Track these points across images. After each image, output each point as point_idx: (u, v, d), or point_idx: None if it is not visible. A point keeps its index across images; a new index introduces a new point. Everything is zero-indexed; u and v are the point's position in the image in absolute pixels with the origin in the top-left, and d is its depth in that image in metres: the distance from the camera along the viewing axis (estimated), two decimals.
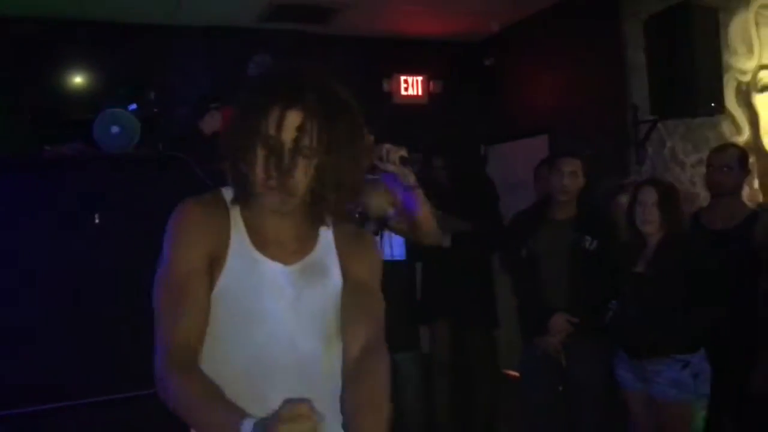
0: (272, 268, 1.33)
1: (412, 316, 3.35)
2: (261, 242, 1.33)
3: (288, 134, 1.24)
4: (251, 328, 1.31)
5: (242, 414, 1.08)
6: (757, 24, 3.75)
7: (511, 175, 5.20)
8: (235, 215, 1.34)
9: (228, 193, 1.34)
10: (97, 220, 3.03)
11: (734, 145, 3.30)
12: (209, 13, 4.48)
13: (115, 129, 3.14)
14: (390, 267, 2.27)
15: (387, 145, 2.11)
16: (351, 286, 1.39)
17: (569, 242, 2.94)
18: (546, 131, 4.82)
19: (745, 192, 3.41)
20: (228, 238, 1.31)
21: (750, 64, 3.78)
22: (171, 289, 1.26)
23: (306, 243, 1.39)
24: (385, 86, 5.27)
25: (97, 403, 2.90)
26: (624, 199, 3.00)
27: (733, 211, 2.97)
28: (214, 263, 1.29)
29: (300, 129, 1.23)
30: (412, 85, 5.31)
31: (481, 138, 5.46)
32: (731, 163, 2.99)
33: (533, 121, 4.97)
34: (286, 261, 1.35)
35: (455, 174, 3.65)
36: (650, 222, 2.65)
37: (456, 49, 5.45)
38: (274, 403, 1.06)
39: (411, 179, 2.11)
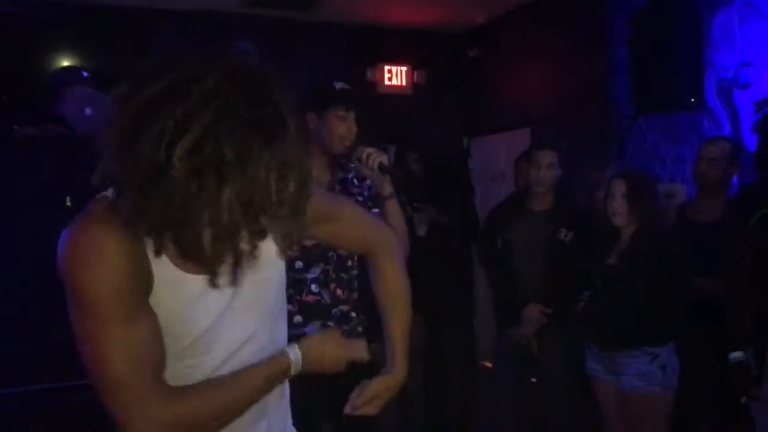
0: (196, 280, 1.09)
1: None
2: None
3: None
4: (194, 353, 1.14)
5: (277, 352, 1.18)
6: (740, 21, 3.76)
7: (494, 167, 5.20)
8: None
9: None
10: (69, 203, 2.98)
11: (726, 139, 3.29)
12: None
13: (88, 110, 3.09)
14: (333, 257, 2.26)
15: (368, 149, 2.10)
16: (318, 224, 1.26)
17: (545, 234, 2.94)
18: (528, 124, 4.82)
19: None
20: (148, 265, 1.04)
21: (732, 61, 3.79)
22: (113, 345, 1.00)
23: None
24: (369, 75, 5.24)
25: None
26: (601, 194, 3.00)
27: (717, 204, 2.96)
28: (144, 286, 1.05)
29: None
30: (396, 75, 5.28)
31: (465, 130, 5.45)
32: (718, 156, 2.99)
33: (516, 114, 4.96)
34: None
35: (429, 166, 3.63)
36: (619, 214, 2.65)
37: (441, 39, 5.43)
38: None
39: (387, 189, 2.11)
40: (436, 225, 3.40)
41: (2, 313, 2.81)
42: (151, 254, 1.02)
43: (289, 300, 2.11)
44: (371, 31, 5.18)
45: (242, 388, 1.14)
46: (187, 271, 1.07)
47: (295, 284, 2.16)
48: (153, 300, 1.06)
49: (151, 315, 1.05)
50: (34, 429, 2.73)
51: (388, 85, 5.26)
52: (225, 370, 1.16)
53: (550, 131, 4.51)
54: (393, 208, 2.18)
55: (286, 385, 1.35)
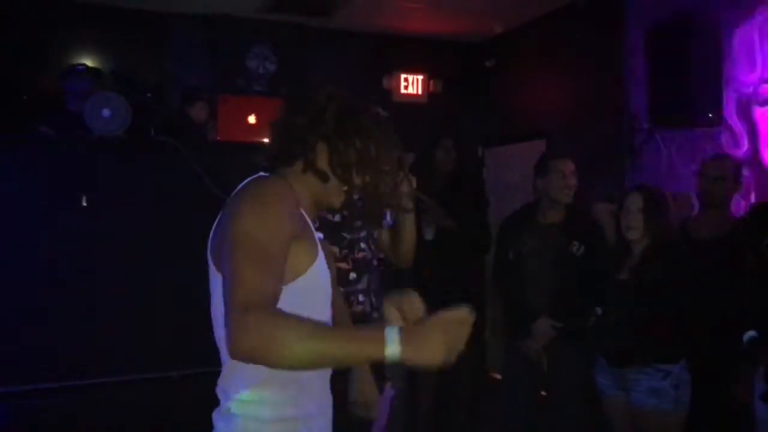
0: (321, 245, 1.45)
1: None
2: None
3: None
4: (327, 308, 1.44)
5: (377, 326, 1.22)
6: (760, 37, 3.73)
7: (508, 177, 5.18)
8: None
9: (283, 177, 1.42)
10: (84, 203, 3.00)
11: (729, 156, 3.27)
12: (211, 1, 4.45)
13: (105, 112, 3.11)
14: (373, 266, 2.33)
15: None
16: None
17: (556, 247, 2.92)
18: (543, 135, 4.80)
19: (741, 206, 3.39)
20: (307, 221, 1.41)
21: (752, 77, 3.76)
22: (254, 249, 1.23)
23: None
24: (385, 83, 5.25)
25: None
26: (601, 206, 2.99)
27: (721, 221, 2.94)
28: (301, 239, 1.34)
29: None
30: (412, 84, 5.28)
31: (479, 140, 5.44)
32: (726, 174, 2.97)
33: (531, 125, 4.95)
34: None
35: (457, 164, 3.68)
36: (634, 228, 2.63)
37: (457, 49, 5.43)
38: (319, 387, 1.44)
39: (408, 205, 2.19)
40: (444, 229, 3.41)
41: (17, 309, 2.82)
42: (302, 209, 1.41)
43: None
44: (388, 39, 5.19)
45: (338, 345, 1.18)
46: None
47: (346, 296, 2.24)
48: (319, 252, 1.39)
49: (285, 261, 1.28)
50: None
51: (403, 94, 5.26)
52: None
53: (564, 142, 4.49)
54: (411, 223, 2.34)
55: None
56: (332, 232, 2.22)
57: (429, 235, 3.44)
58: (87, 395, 2.86)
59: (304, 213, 1.41)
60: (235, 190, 1.39)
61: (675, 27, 3.59)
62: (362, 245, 2.29)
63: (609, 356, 2.69)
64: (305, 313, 1.23)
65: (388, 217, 2.37)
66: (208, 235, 1.57)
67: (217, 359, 1.45)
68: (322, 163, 1.43)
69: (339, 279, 2.18)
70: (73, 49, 4.41)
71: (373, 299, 2.32)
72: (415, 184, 2.17)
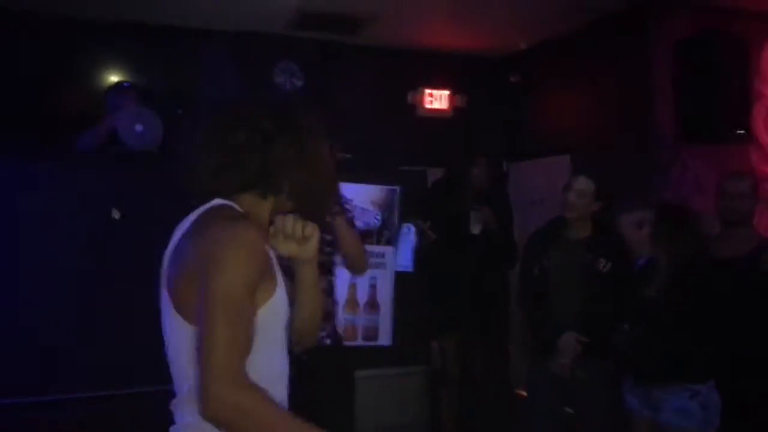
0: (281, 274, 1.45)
1: (421, 330, 3.37)
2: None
3: None
4: (284, 333, 1.45)
5: None
6: None
7: (532, 193, 5.16)
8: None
9: (235, 207, 1.41)
10: (116, 216, 3.07)
11: (747, 173, 3.24)
12: (240, 18, 4.53)
13: (138, 127, 3.19)
14: (399, 279, 2.39)
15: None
16: None
17: (582, 262, 2.91)
18: (568, 151, 4.79)
19: (764, 223, 3.35)
20: (269, 255, 1.40)
21: None
22: (231, 308, 1.24)
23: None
24: (410, 98, 5.28)
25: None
26: (626, 220, 2.98)
27: (745, 240, 2.91)
28: (263, 279, 1.34)
29: None
30: (437, 99, 5.30)
31: (504, 154, 5.44)
32: (747, 191, 2.94)
33: (556, 141, 4.94)
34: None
35: (491, 177, 3.80)
36: (644, 243, 2.66)
37: (482, 64, 5.45)
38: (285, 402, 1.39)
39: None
40: (489, 227, 3.51)
41: (49, 321, 2.89)
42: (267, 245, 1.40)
43: None
44: (413, 54, 5.22)
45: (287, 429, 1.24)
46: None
47: None
48: (278, 279, 1.40)
49: (254, 311, 1.31)
50: None
51: (428, 109, 5.29)
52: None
53: (589, 159, 4.48)
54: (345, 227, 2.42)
55: None
56: None
57: (476, 229, 3.60)
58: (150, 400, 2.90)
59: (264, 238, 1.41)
60: (196, 219, 1.39)
61: (702, 41, 3.58)
62: (326, 249, 2.37)
63: (636, 374, 2.67)
64: (267, 339, 1.36)
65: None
66: None
67: None
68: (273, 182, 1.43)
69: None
70: (107, 66, 4.52)
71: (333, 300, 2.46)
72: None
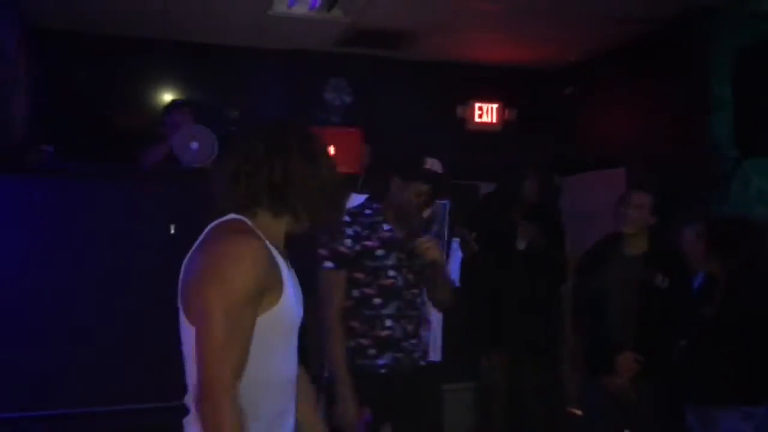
0: (293, 277, 1.53)
1: (470, 345, 3.35)
2: (280, 256, 1.50)
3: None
4: (292, 338, 1.51)
5: None
6: None
7: (586, 207, 5.07)
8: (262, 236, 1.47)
9: (245, 220, 1.47)
10: (172, 231, 3.13)
11: None
12: (291, 37, 4.61)
13: (194, 145, 3.27)
14: (406, 294, 2.41)
15: (426, 243, 2.37)
16: None
17: (640, 278, 2.84)
18: (623, 164, 4.69)
19: None
20: (276, 262, 1.44)
21: None
22: (230, 318, 1.31)
23: (283, 249, 1.59)
24: (459, 112, 5.26)
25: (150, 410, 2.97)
26: (684, 235, 2.91)
27: None
28: (267, 287, 1.40)
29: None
30: (486, 112, 5.28)
31: (556, 168, 5.36)
32: None
33: (610, 154, 4.85)
34: (287, 268, 1.53)
35: (542, 191, 3.79)
36: (700, 259, 2.57)
37: (532, 77, 5.40)
38: (291, 411, 1.50)
39: (441, 259, 2.42)
40: (535, 244, 3.48)
41: (114, 333, 2.96)
42: (271, 250, 1.44)
43: (365, 334, 2.41)
44: (462, 68, 5.22)
45: None
46: (288, 267, 1.51)
47: (370, 320, 2.42)
48: (285, 287, 1.44)
49: (254, 318, 1.36)
50: None
51: (478, 122, 5.26)
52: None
53: (645, 172, 4.38)
54: (442, 280, 2.50)
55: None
56: (352, 261, 2.39)
57: (521, 245, 3.57)
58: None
59: (273, 250, 1.46)
60: (205, 233, 1.47)
61: (762, 50, 3.47)
62: (391, 273, 2.43)
63: (693, 393, 2.60)
64: (272, 346, 1.43)
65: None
66: (295, 266, 1.64)
67: None
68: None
69: (364, 303, 2.40)
70: (163, 85, 4.66)
71: (407, 326, 2.45)
72: (439, 258, 2.36)
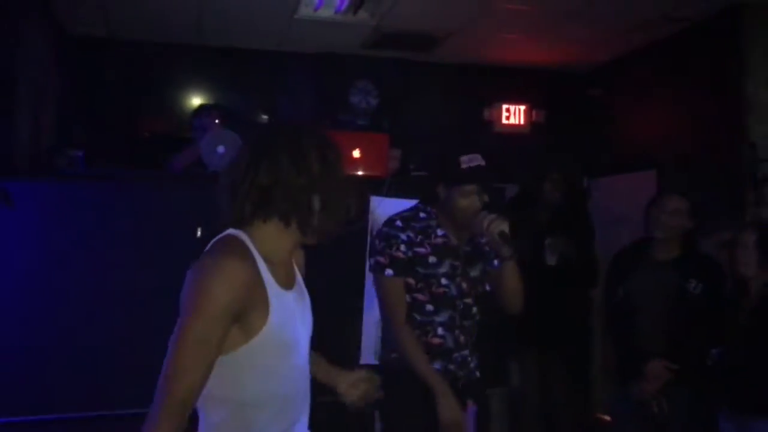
0: (290, 297, 1.48)
1: (501, 350, 3.29)
2: (276, 275, 1.45)
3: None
4: (290, 358, 1.47)
5: None
6: None
7: (615, 210, 4.98)
8: (257, 256, 1.42)
9: (242, 236, 1.42)
10: (198, 234, 3.15)
11: None
12: (317, 41, 4.62)
13: (220, 149, 3.28)
14: (460, 304, 2.33)
15: (490, 216, 2.20)
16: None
17: (671, 285, 2.76)
18: (654, 167, 4.59)
19: None
20: (262, 282, 1.40)
21: None
22: (196, 341, 1.30)
23: (291, 266, 1.56)
24: (486, 114, 5.22)
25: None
26: (718, 240, 2.82)
27: None
28: (250, 309, 1.36)
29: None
30: (514, 114, 5.22)
31: (584, 170, 5.28)
32: None
33: (640, 156, 4.75)
34: (290, 286, 1.50)
35: (564, 197, 3.68)
36: (747, 264, 2.48)
37: (561, 78, 5.33)
38: (297, 426, 1.48)
39: (505, 252, 2.24)
40: (566, 257, 3.40)
41: (144, 335, 2.97)
42: (261, 268, 1.40)
43: (417, 339, 2.31)
44: (489, 70, 5.17)
45: None
46: (283, 287, 1.45)
47: (422, 326, 2.31)
48: (271, 308, 1.39)
49: (222, 344, 1.34)
50: None
51: (505, 124, 5.21)
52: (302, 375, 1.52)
53: (677, 174, 4.28)
54: (511, 270, 2.32)
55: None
56: (405, 267, 2.29)
57: (551, 260, 3.49)
58: None
59: (263, 269, 1.41)
60: (205, 249, 1.43)
61: None
62: (443, 281, 2.31)
63: (730, 402, 2.53)
64: (267, 367, 1.41)
65: (495, 262, 2.39)
66: (318, 268, 1.71)
67: None
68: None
69: (415, 308, 2.31)
70: (190, 89, 4.70)
71: (460, 337, 2.34)
72: (507, 228, 2.19)
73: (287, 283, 1.49)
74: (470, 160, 2.28)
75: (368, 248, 3.05)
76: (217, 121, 3.82)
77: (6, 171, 3.09)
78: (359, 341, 3.22)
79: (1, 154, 3.20)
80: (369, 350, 3.22)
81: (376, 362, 3.25)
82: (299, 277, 1.59)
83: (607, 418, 3.61)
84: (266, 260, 1.43)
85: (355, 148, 3.76)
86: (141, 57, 4.51)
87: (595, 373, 3.81)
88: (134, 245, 3.05)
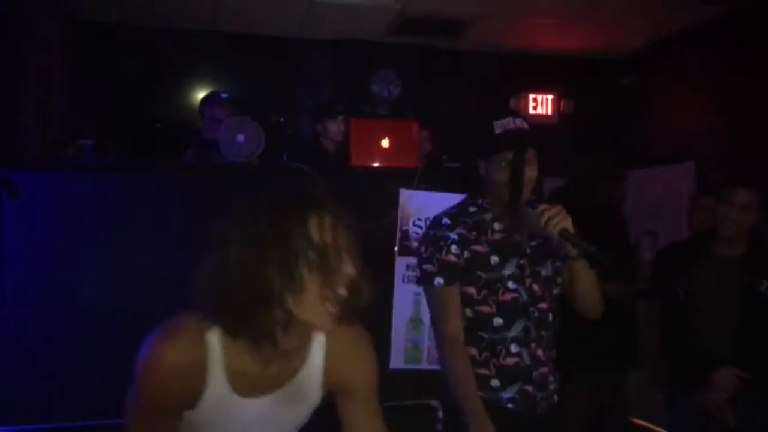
0: (249, 407, 1.27)
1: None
2: (243, 375, 1.24)
3: (328, 236, 1.19)
4: None
5: None
6: None
7: (649, 203, 4.76)
8: (214, 347, 1.22)
9: (204, 322, 1.22)
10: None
11: None
12: (338, 26, 4.41)
13: (240, 137, 3.07)
14: (533, 310, 2.02)
15: (550, 211, 1.80)
16: (355, 400, 1.37)
17: (739, 283, 2.53)
18: (692, 158, 4.36)
19: None
20: (204, 379, 1.22)
21: None
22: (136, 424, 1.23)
23: (294, 359, 1.29)
24: (513, 104, 5.00)
25: None
26: None
27: None
28: (188, 401, 1.23)
29: (334, 230, 1.19)
30: (541, 104, 5.01)
31: (616, 162, 5.05)
32: None
33: (677, 147, 4.53)
34: (270, 389, 1.28)
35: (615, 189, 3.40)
36: None
37: (590, 66, 5.10)
38: None
39: (571, 251, 1.85)
40: (603, 271, 3.11)
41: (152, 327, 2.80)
42: (211, 363, 1.22)
43: (486, 362, 1.93)
44: (516, 58, 4.95)
45: None
46: (241, 392, 1.25)
47: (491, 346, 1.93)
48: (199, 406, 1.23)
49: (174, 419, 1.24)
50: None
51: (532, 114, 4.99)
52: None
53: (718, 165, 4.05)
54: (580, 271, 1.92)
55: None
56: (460, 272, 1.91)
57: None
58: None
59: (210, 366, 1.22)
60: None
61: None
62: (510, 285, 1.92)
63: None
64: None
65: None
66: None
67: None
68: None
69: (480, 324, 1.92)
70: (205, 77, 4.51)
71: (537, 351, 1.95)
72: (570, 225, 1.79)
73: (260, 387, 1.27)
74: (507, 124, 1.90)
75: (397, 248, 2.83)
76: (230, 113, 3.63)
77: (12, 160, 2.91)
78: (389, 345, 3.01)
79: (6, 142, 3.03)
80: (399, 354, 3.01)
81: (407, 367, 3.02)
82: (303, 377, 1.31)
83: (656, 428, 3.39)
84: (232, 353, 1.22)
85: (383, 137, 3.54)
86: (153, 44, 4.33)
87: (635, 378, 3.57)
88: (144, 237, 2.86)
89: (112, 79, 4.23)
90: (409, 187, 3.09)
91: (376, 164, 3.26)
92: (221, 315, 1.19)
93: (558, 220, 1.78)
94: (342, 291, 1.18)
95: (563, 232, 1.78)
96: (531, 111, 5.00)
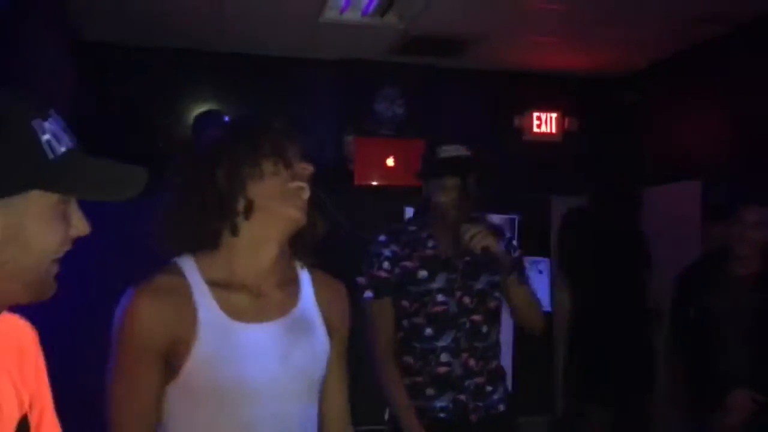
0: (253, 333, 1.26)
1: (543, 374, 3.01)
2: (236, 303, 1.26)
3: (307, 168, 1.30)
4: (238, 408, 1.22)
5: None
6: None
7: (655, 223, 4.72)
8: (199, 285, 1.25)
9: (186, 263, 1.28)
10: None
11: None
12: (342, 46, 4.41)
13: None
14: (464, 321, 2.08)
15: (472, 230, 1.94)
16: (335, 339, 1.37)
17: (753, 304, 2.49)
18: (699, 176, 4.34)
19: None
20: (193, 316, 1.22)
21: None
22: (119, 399, 1.21)
23: (289, 290, 1.33)
24: (516, 122, 4.99)
25: None
26: None
27: None
28: (178, 347, 1.21)
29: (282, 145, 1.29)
30: (545, 122, 4.99)
31: (633, 181, 5.02)
32: None
33: (682, 165, 4.50)
34: (269, 317, 1.28)
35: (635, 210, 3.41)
36: None
37: (594, 84, 5.10)
38: None
39: (504, 269, 2.02)
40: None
41: None
42: (198, 299, 1.23)
43: (420, 371, 2.06)
44: (519, 76, 4.95)
45: None
46: (241, 318, 1.24)
47: (424, 355, 2.07)
48: (196, 345, 1.20)
49: (157, 378, 1.21)
50: None
51: (536, 133, 4.98)
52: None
53: (726, 185, 4.02)
54: (511, 285, 2.04)
55: None
56: (395, 287, 2.07)
57: None
58: None
59: (206, 296, 1.24)
60: None
61: None
62: (439, 297, 2.06)
63: None
64: (196, 419, 1.21)
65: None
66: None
67: None
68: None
69: (414, 334, 2.06)
70: (209, 96, 4.50)
71: (469, 361, 2.06)
72: (493, 243, 1.93)
73: (258, 314, 1.26)
74: (449, 150, 2.07)
75: None
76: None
77: None
78: None
79: None
80: None
81: None
82: (302, 309, 1.34)
83: None
84: (219, 286, 1.25)
85: (388, 156, 3.52)
86: (158, 63, 4.33)
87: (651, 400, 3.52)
88: (145, 255, 2.83)
89: (115, 98, 4.22)
90: (414, 205, 3.07)
91: (378, 183, 3.23)
92: (183, 238, 1.25)
93: (480, 238, 1.92)
94: (305, 188, 1.27)
95: (485, 249, 1.92)
96: (535, 129, 4.98)
